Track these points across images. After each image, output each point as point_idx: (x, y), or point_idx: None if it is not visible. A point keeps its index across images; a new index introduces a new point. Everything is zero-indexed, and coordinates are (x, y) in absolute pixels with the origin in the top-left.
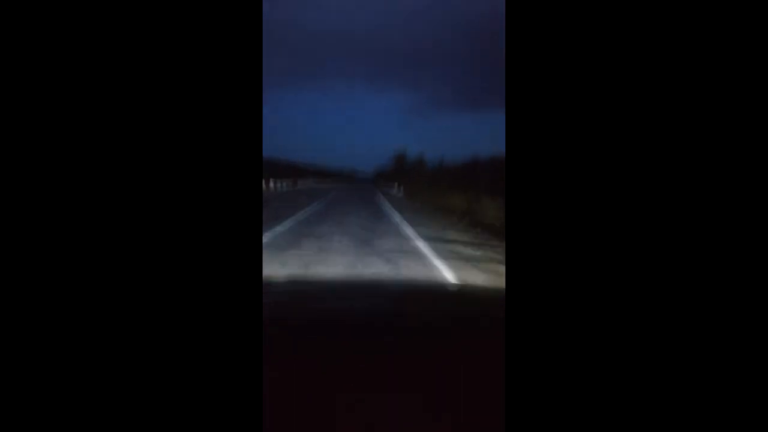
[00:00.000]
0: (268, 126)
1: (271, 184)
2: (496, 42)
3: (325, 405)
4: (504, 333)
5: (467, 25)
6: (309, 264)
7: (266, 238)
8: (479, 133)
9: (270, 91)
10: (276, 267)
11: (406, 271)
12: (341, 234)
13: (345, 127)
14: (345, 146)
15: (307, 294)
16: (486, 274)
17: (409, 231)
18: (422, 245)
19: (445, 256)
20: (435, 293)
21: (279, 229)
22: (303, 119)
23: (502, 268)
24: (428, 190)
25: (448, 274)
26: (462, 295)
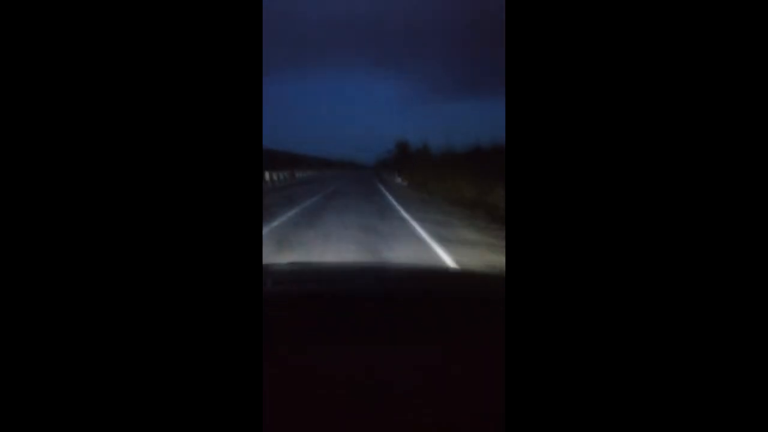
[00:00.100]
0: (265, 116)
1: (267, 176)
2: (497, 27)
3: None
4: (504, 314)
5: (468, 12)
6: None
7: None
8: (482, 121)
9: (267, 81)
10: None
11: None
12: (338, 239)
13: (344, 116)
14: (345, 135)
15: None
16: None
17: (420, 230)
18: (442, 252)
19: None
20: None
21: (269, 227)
22: (301, 108)
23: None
24: (434, 179)
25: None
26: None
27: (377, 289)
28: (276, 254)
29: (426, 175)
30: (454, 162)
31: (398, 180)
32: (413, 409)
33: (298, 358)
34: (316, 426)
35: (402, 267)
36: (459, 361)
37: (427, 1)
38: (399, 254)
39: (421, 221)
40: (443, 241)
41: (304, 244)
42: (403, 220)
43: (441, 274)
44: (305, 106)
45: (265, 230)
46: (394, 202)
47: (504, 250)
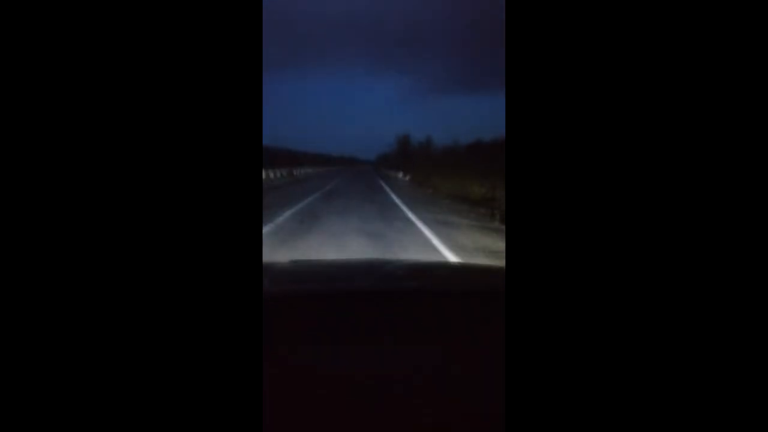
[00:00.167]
0: (264, 113)
1: (264, 175)
2: (497, 23)
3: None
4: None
5: (468, 6)
6: None
7: None
8: (485, 115)
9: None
10: None
11: None
12: (337, 246)
13: (343, 112)
14: (344, 132)
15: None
16: None
17: (431, 236)
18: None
19: None
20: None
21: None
22: (300, 105)
23: None
24: (438, 174)
25: None
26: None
27: (378, 287)
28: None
29: (429, 171)
30: (458, 157)
31: (400, 176)
32: (413, 409)
33: (298, 358)
34: (316, 426)
35: (404, 263)
36: (459, 361)
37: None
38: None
39: (431, 224)
40: (460, 250)
41: (300, 251)
42: (409, 221)
43: (442, 268)
44: (304, 102)
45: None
46: (398, 201)
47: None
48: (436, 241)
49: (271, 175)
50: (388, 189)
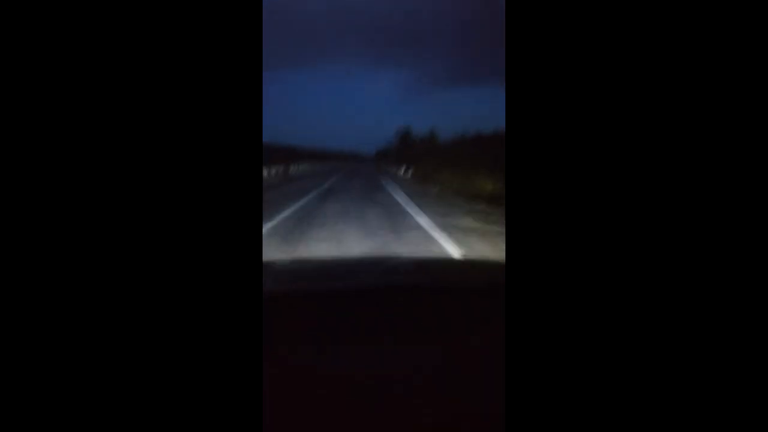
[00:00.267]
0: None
1: None
2: (497, 14)
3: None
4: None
5: (468, 9)
6: None
7: None
8: (483, 109)
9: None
10: None
11: None
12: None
13: (343, 108)
14: (343, 127)
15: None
16: None
17: (448, 246)
18: None
19: None
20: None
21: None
22: (298, 100)
23: None
24: (443, 170)
25: None
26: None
27: (379, 286)
28: None
29: (432, 166)
30: (459, 151)
31: (401, 172)
32: (413, 409)
33: (298, 358)
34: (316, 426)
35: (404, 260)
36: (459, 361)
37: None
38: None
39: (453, 232)
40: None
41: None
42: (423, 232)
43: (443, 264)
44: (303, 98)
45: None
46: (405, 202)
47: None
48: (450, 249)
49: (264, 173)
50: (390, 187)
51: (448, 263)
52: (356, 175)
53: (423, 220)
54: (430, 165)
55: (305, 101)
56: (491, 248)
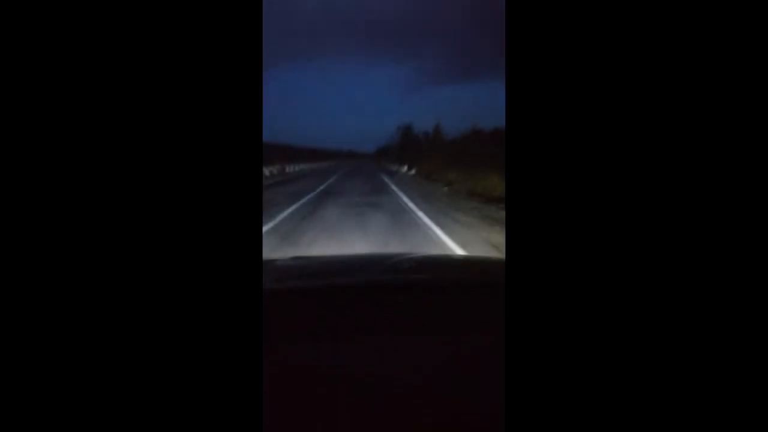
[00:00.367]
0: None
1: None
2: (497, 9)
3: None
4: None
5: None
6: None
7: None
8: (482, 106)
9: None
10: None
11: None
12: None
13: (341, 105)
14: (342, 125)
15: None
16: None
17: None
18: None
19: None
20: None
21: None
22: (296, 98)
23: None
24: (449, 167)
25: None
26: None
27: (379, 283)
28: None
29: (437, 163)
30: (462, 147)
31: (404, 169)
32: (413, 408)
33: (298, 357)
34: (317, 425)
35: (405, 257)
36: (459, 360)
37: None
38: None
39: (480, 251)
40: None
41: None
42: (442, 250)
43: (444, 261)
44: (302, 96)
45: None
46: (413, 207)
47: None
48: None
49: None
50: (394, 187)
51: (449, 261)
52: (356, 172)
53: (440, 234)
54: (433, 162)
55: (303, 99)
56: None
